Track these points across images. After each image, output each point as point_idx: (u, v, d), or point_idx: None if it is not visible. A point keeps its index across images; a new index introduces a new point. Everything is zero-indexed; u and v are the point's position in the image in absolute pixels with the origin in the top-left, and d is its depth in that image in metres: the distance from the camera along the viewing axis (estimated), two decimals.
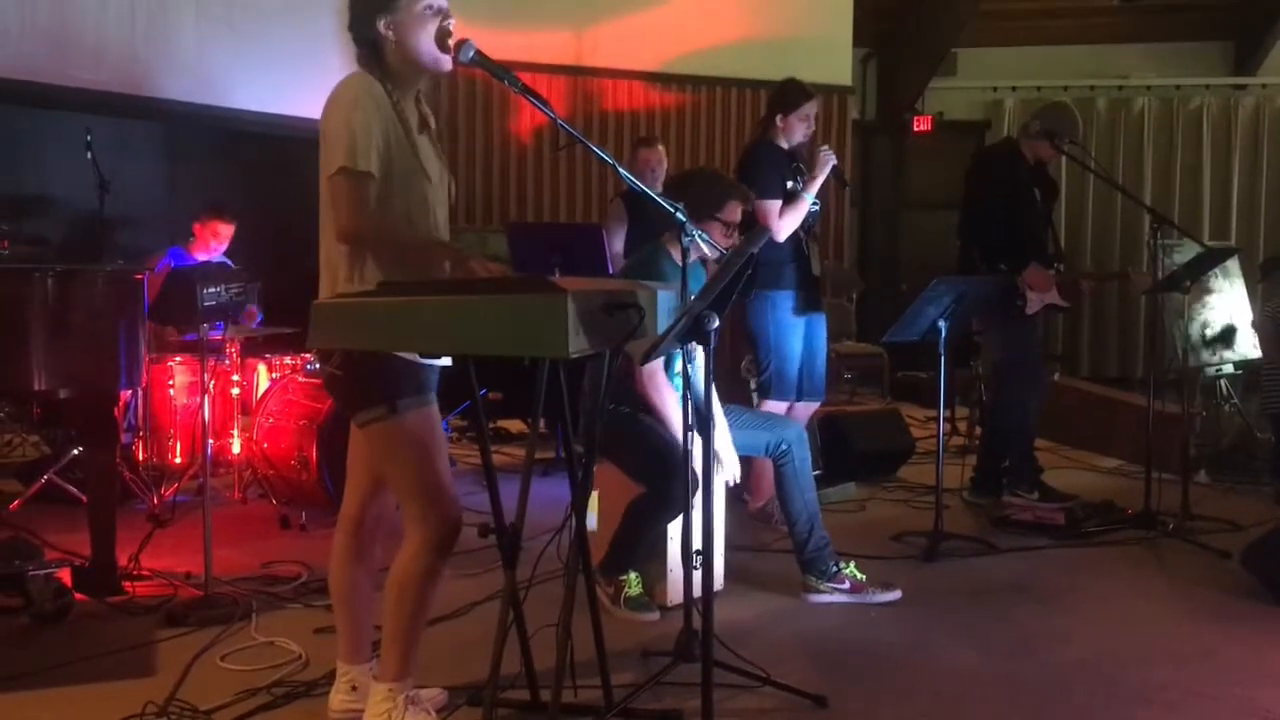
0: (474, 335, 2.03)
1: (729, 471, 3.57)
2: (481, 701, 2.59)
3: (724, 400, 3.81)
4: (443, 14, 2.50)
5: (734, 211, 3.64)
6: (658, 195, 2.84)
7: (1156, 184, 10.61)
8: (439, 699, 2.80)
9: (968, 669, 3.17)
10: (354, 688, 2.72)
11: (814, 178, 4.59)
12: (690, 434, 2.69)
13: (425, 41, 2.48)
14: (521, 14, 8.23)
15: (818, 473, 4.94)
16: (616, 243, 5.66)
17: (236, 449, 4.97)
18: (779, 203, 4.53)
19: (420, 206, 2.50)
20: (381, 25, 2.48)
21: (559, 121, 2.60)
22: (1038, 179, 5.13)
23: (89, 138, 5.43)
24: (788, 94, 4.69)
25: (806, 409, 4.74)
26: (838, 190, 4.85)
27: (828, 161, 4.60)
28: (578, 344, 1.98)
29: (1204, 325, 6.29)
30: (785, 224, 4.53)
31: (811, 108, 4.67)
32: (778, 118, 4.64)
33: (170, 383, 5.01)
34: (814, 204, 4.64)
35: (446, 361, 2.54)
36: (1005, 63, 10.60)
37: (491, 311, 2.00)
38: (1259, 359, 6.46)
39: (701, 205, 3.51)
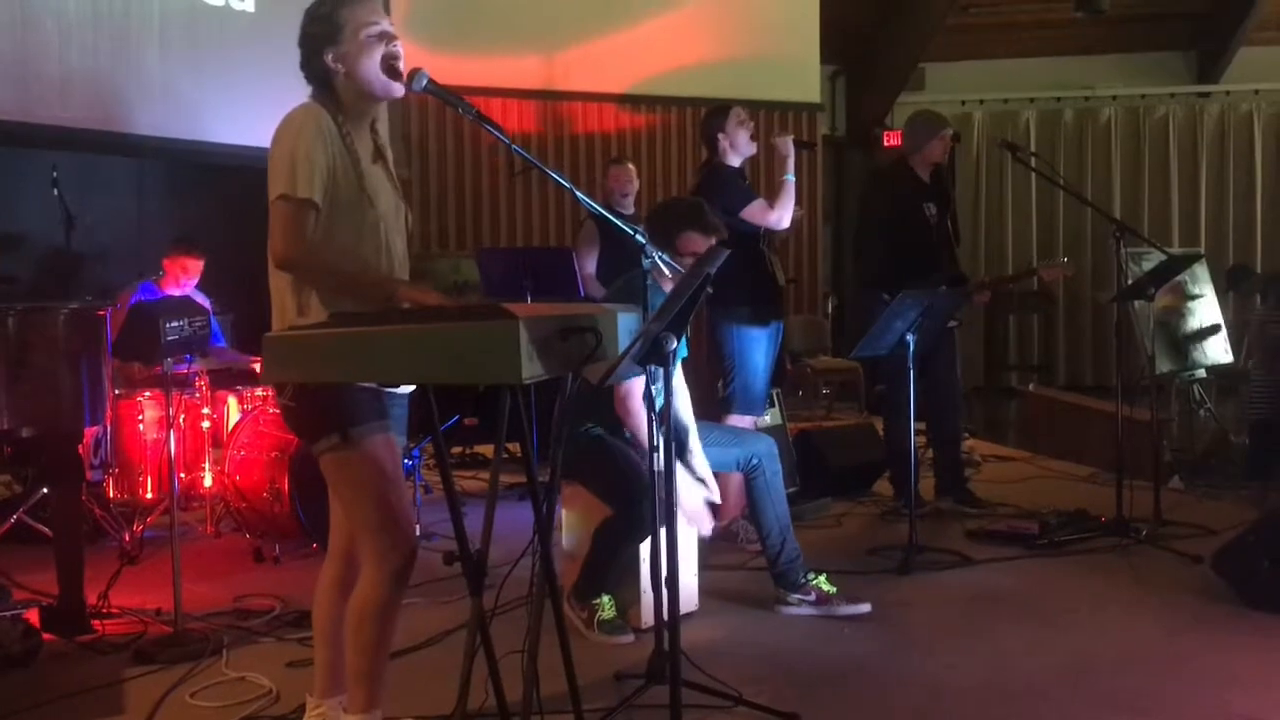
0: (428, 364, 2.02)
1: (704, 526, 3.58)
2: None
3: (697, 417, 3.81)
4: (387, 38, 2.51)
5: (692, 243, 3.60)
6: (616, 218, 2.86)
7: (1125, 193, 10.72)
8: None
9: (942, 681, 3.17)
10: None
11: (785, 160, 4.63)
12: (656, 455, 2.69)
13: (373, 69, 2.49)
14: (492, 40, 8.27)
15: (793, 489, 4.96)
16: (588, 265, 5.67)
17: (208, 482, 4.94)
18: (761, 200, 4.60)
19: (371, 237, 2.50)
20: (329, 59, 2.49)
21: (514, 147, 2.61)
22: (933, 193, 5.17)
23: (55, 174, 5.42)
24: (713, 115, 4.75)
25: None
26: (807, 152, 4.89)
27: (788, 142, 4.67)
28: (531, 369, 1.98)
29: (1175, 330, 6.35)
30: (782, 213, 4.58)
31: (739, 113, 4.71)
32: (720, 138, 4.67)
33: (140, 418, 4.97)
34: None
35: (406, 389, 2.54)
36: (973, 76, 10.72)
37: (444, 340, 2.00)
38: (1230, 364, 6.53)
39: (659, 235, 3.48)
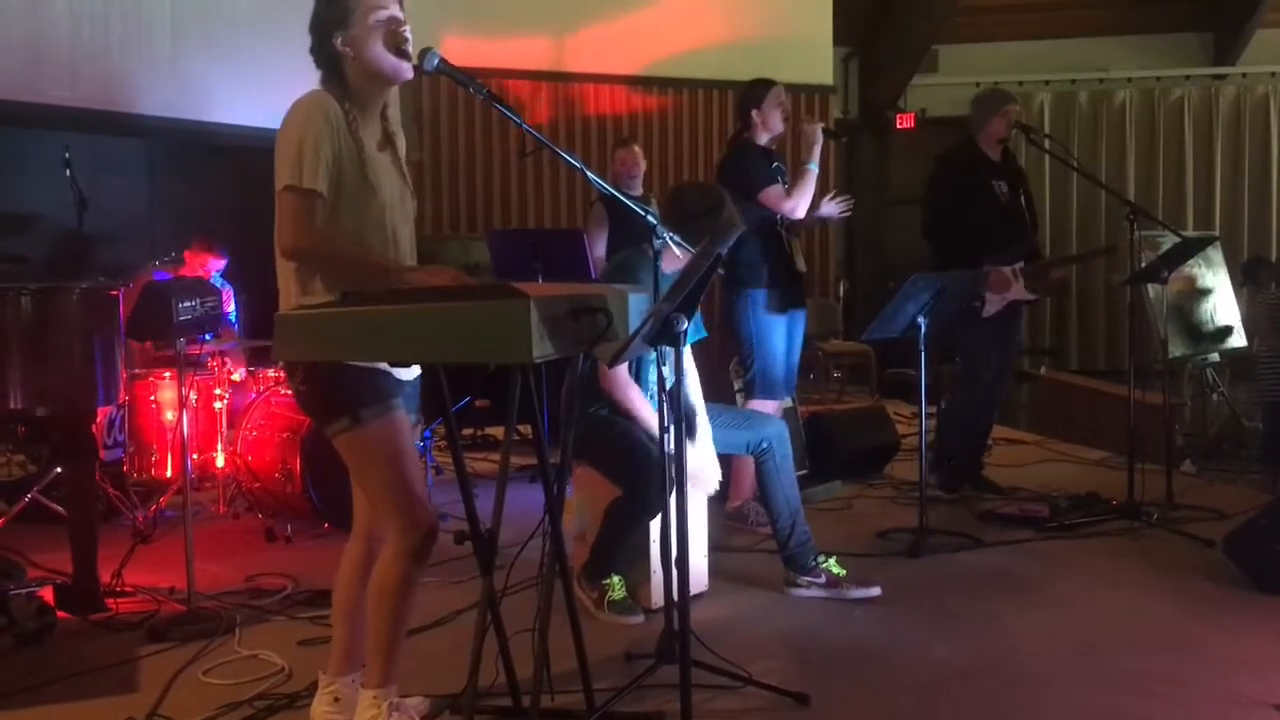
0: (438, 343, 2.03)
1: (709, 485, 3.57)
2: (462, 709, 2.58)
3: (707, 400, 3.80)
4: (395, 22, 2.51)
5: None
6: (628, 198, 2.85)
7: (1140, 175, 10.65)
8: (422, 707, 2.80)
9: (951, 663, 3.18)
10: (336, 699, 2.70)
11: (811, 146, 4.59)
12: (666, 436, 2.69)
13: (381, 52, 2.50)
14: (502, 21, 8.25)
15: (804, 472, 4.96)
16: (598, 247, 5.66)
17: (221, 463, 4.96)
18: (778, 186, 4.56)
19: (376, 225, 2.51)
20: (338, 42, 2.49)
21: (525, 127, 2.62)
22: (1003, 171, 5.11)
23: (67, 155, 5.43)
24: (754, 89, 4.71)
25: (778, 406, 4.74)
26: (828, 141, 4.85)
27: (816, 128, 4.63)
28: (542, 349, 1.98)
29: (1188, 315, 6.32)
30: (799, 200, 4.54)
31: (780, 92, 4.68)
32: (753, 114, 4.65)
33: (153, 398, 5.00)
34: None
35: (416, 371, 2.55)
36: (987, 58, 10.64)
37: (455, 318, 2.00)
38: (1244, 348, 6.50)
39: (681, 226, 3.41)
